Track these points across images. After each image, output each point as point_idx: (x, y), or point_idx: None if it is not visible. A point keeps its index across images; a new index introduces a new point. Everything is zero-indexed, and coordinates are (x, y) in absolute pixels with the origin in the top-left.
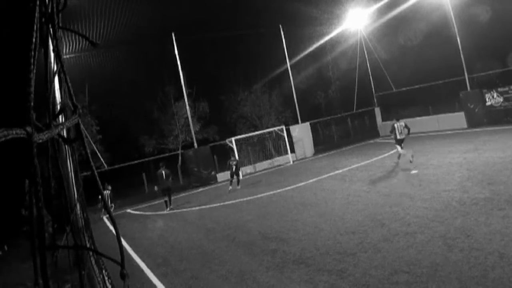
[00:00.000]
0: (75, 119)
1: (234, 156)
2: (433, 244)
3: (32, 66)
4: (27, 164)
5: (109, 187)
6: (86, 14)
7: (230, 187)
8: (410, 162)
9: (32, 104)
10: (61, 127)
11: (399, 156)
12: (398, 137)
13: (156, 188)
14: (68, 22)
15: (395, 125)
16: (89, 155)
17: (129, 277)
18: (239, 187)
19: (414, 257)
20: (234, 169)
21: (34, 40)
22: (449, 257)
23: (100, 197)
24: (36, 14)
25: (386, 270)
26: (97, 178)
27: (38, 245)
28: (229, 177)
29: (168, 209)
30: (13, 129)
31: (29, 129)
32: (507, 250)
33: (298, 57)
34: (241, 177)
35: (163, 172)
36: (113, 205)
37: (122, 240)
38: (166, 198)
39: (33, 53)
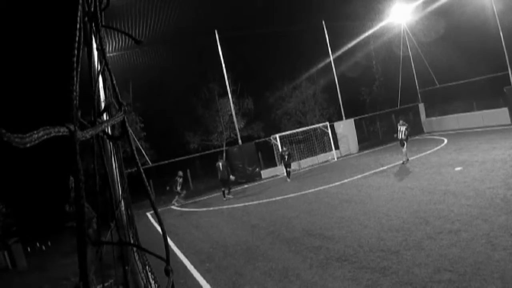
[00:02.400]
0: (120, 116)
1: (287, 146)
2: (477, 242)
3: (75, 65)
4: (71, 161)
5: (181, 173)
6: (131, 11)
7: (288, 179)
8: (402, 163)
9: (76, 102)
10: (105, 124)
11: (405, 155)
12: (400, 137)
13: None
14: (112, 20)
15: (400, 128)
16: (135, 152)
17: (173, 273)
18: (289, 180)
19: (457, 256)
20: (286, 159)
21: (77, 39)
22: (492, 255)
23: (147, 194)
24: (79, 13)
25: (429, 268)
26: (143, 175)
27: (80, 241)
28: (283, 171)
29: (225, 198)
30: (56, 127)
31: (71, 127)
32: None
33: (341, 53)
34: (291, 169)
35: (220, 164)
36: (184, 191)
37: (167, 235)
38: (224, 188)
39: (76, 52)
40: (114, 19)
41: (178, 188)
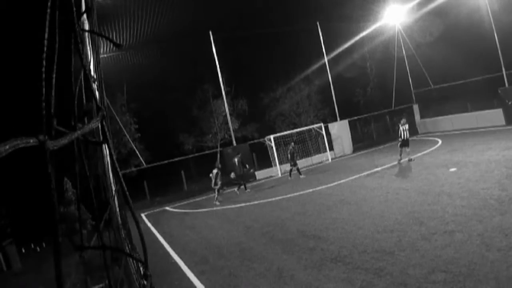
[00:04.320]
0: (96, 122)
1: (291, 144)
2: (471, 243)
3: (49, 74)
4: (43, 170)
5: (219, 165)
6: (126, 13)
7: (302, 176)
8: (399, 162)
9: (47, 111)
10: (78, 132)
11: (409, 156)
12: (405, 137)
13: (232, 175)
14: (106, 22)
15: (401, 128)
16: (113, 156)
17: (151, 277)
18: (291, 178)
19: (452, 256)
20: (289, 157)
21: (51, 45)
22: (487, 256)
23: (125, 197)
24: (56, 19)
25: (424, 269)
26: (122, 180)
27: (54, 245)
28: (292, 169)
29: (247, 190)
30: (24, 138)
31: (41, 137)
32: None
33: (336, 54)
34: (294, 167)
35: (236, 160)
36: (219, 182)
37: (161, 237)
38: (241, 182)
39: (45, 62)
40: (107, 21)
41: (219, 183)
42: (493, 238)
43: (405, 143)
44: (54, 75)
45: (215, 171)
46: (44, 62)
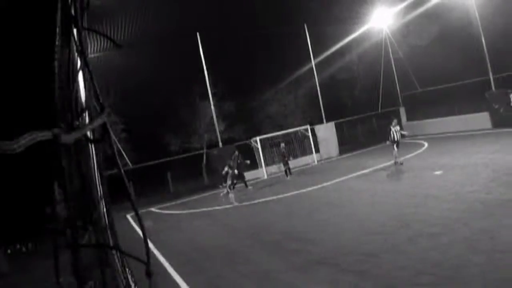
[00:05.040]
0: (103, 118)
1: (282, 144)
2: (457, 246)
3: (57, 68)
4: (55, 164)
5: (231, 163)
6: (113, 13)
7: (288, 178)
8: (400, 164)
9: (59, 105)
10: (90, 127)
11: (396, 157)
12: (395, 138)
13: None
14: (94, 21)
15: (392, 130)
16: (116, 154)
17: (153, 276)
18: (288, 178)
19: (438, 259)
20: (281, 158)
21: (57, 42)
22: (472, 259)
23: (128, 196)
24: (59, 15)
25: (410, 272)
26: (124, 176)
27: (54, 243)
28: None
29: (249, 188)
30: (40, 132)
31: (56, 130)
32: None
33: (323, 57)
34: (286, 167)
35: (233, 158)
36: (229, 181)
37: (147, 238)
38: (234, 182)
39: (57, 54)
40: (96, 20)
41: (228, 182)
42: (479, 241)
43: (396, 145)
44: (60, 71)
45: (226, 168)
46: (56, 55)
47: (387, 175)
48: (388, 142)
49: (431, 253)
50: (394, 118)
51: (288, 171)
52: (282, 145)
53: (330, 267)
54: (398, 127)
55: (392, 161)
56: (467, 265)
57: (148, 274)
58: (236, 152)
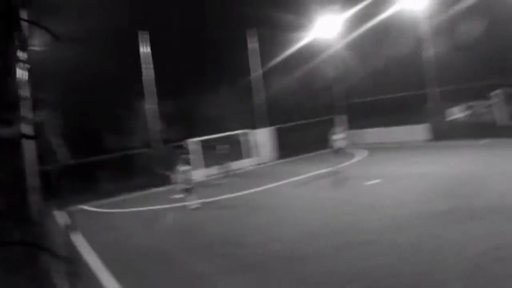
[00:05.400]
0: (40, 114)
1: (224, 146)
2: (388, 255)
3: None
4: None
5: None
6: (58, 7)
7: (224, 181)
8: (337, 171)
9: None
10: (25, 122)
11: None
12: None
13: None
14: (38, 14)
15: (336, 137)
16: (50, 150)
17: (80, 274)
18: (225, 181)
19: (369, 266)
20: (220, 159)
21: None
22: (403, 269)
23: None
24: None
25: (341, 278)
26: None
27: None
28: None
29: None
30: None
31: None
32: (465, 264)
33: (267, 62)
34: (228, 169)
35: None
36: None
37: (76, 236)
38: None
39: None
40: (39, 14)
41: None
42: (409, 251)
43: (338, 152)
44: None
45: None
46: None
47: (323, 182)
48: (332, 149)
49: (363, 260)
50: (338, 126)
51: (226, 173)
52: (222, 147)
53: (262, 271)
54: (342, 135)
55: (330, 169)
56: (397, 274)
57: (74, 272)
58: (182, 153)
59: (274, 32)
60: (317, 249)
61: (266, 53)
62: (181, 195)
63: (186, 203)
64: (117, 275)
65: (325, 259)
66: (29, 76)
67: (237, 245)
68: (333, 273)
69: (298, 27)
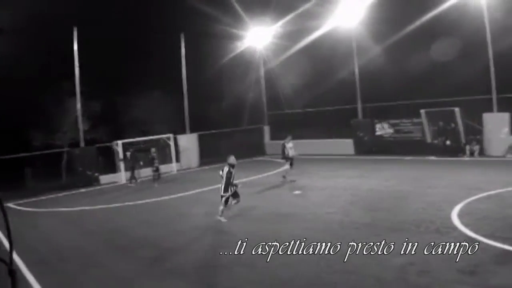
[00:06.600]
0: None
1: (152, 149)
2: (310, 264)
3: None
4: None
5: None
6: None
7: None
8: (285, 178)
9: None
10: None
11: (285, 174)
12: (290, 155)
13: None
14: None
15: (286, 145)
16: None
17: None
18: (155, 185)
19: (290, 275)
20: (154, 163)
21: None
22: (325, 277)
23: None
24: None
25: (261, 286)
26: None
27: None
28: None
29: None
30: None
31: None
32: (384, 274)
33: (196, 67)
34: (156, 173)
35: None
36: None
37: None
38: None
39: None
40: None
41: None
42: (333, 261)
43: (289, 161)
44: None
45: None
46: None
47: (246, 191)
48: (283, 159)
49: (283, 269)
50: (289, 135)
51: (154, 177)
52: (153, 149)
53: (184, 277)
54: (291, 144)
55: (257, 176)
56: (318, 283)
57: (11, 272)
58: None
59: (207, 39)
60: (240, 257)
61: (198, 59)
62: (107, 196)
63: (114, 205)
64: (38, 275)
65: (247, 266)
66: None
67: (160, 249)
68: (256, 281)
69: (232, 35)
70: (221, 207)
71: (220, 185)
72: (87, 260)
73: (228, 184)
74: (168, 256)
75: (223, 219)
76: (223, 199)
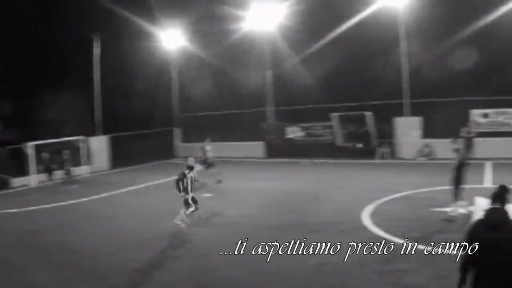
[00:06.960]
0: None
1: (65, 151)
2: (224, 266)
3: None
4: None
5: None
6: None
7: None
8: (219, 182)
9: None
10: None
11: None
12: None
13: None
14: None
15: (205, 148)
16: None
17: None
18: (74, 186)
19: (204, 278)
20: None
21: None
22: (248, 278)
23: None
24: None
25: None
26: None
27: None
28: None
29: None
30: None
31: None
32: (299, 274)
33: (107, 68)
34: (68, 175)
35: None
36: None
37: None
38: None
39: None
40: None
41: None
42: (253, 263)
43: (210, 164)
44: None
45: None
46: None
47: (157, 193)
48: (204, 160)
49: (198, 271)
50: (208, 136)
51: (67, 179)
52: (67, 152)
53: (99, 281)
54: (209, 147)
55: (166, 179)
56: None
57: None
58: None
59: (121, 40)
60: (155, 258)
61: (111, 60)
62: (21, 199)
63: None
64: None
65: (163, 268)
66: None
67: (75, 253)
68: (171, 283)
69: (146, 36)
70: (183, 211)
71: (178, 188)
72: (3, 265)
73: (189, 186)
74: (82, 260)
75: (182, 224)
76: (184, 200)
